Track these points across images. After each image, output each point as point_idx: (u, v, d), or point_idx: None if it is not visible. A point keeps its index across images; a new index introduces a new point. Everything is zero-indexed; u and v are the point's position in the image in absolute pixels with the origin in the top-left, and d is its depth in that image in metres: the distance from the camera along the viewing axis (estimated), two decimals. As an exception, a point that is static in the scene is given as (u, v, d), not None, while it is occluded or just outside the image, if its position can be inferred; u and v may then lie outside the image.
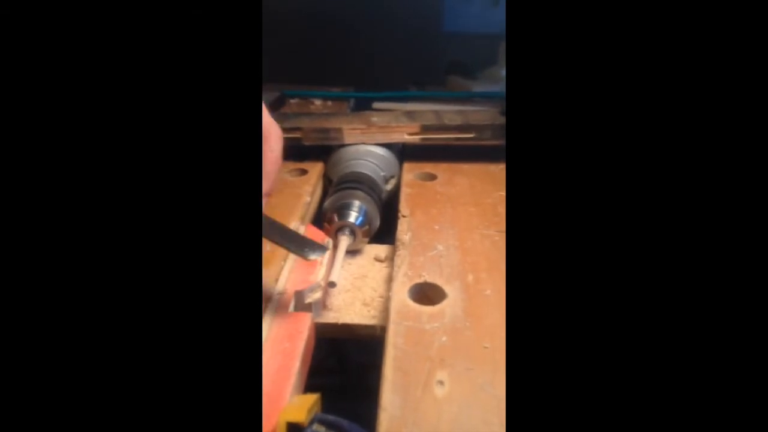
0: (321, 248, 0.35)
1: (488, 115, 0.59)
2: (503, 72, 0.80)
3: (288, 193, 0.50)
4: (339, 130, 0.55)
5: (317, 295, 0.35)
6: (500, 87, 0.77)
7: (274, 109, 0.73)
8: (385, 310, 0.34)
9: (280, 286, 0.37)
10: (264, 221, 0.35)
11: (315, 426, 0.24)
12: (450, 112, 0.61)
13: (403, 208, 0.47)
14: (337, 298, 0.37)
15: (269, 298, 0.35)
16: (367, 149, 0.54)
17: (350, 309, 0.36)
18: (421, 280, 0.36)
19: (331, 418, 0.25)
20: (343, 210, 0.42)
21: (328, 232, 0.42)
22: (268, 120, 0.37)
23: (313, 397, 0.26)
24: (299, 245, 0.34)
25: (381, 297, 0.37)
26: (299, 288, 0.35)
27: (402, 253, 0.40)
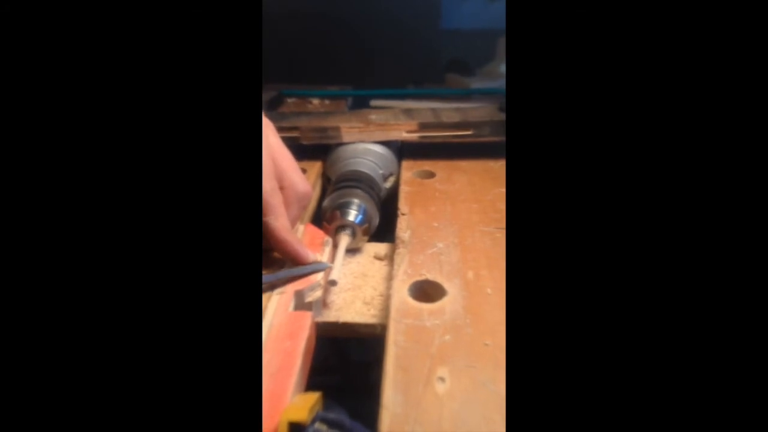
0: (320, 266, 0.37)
1: (486, 112, 0.59)
2: (501, 68, 0.80)
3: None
4: (337, 129, 0.55)
5: (317, 294, 0.35)
6: (498, 83, 0.77)
7: (271, 108, 0.73)
8: (386, 309, 0.34)
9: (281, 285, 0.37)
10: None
11: (317, 425, 0.24)
12: (448, 109, 0.61)
13: (402, 206, 0.47)
14: (337, 297, 0.37)
15: (269, 298, 0.35)
16: (365, 147, 0.54)
17: (351, 308, 0.36)
18: (421, 278, 0.36)
19: (332, 416, 0.25)
20: (342, 208, 0.42)
21: (327, 231, 0.42)
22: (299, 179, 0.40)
23: (314, 396, 0.26)
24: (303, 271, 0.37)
25: (381, 295, 0.37)
26: (299, 287, 0.35)
27: (402, 251, 0.40)
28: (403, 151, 0.59)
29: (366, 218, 0.42)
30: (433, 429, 0.24)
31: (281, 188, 0.39)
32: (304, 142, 0.55)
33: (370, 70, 0.89)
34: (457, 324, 0.31)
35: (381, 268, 0.41)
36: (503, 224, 0.43)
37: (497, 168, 0.55)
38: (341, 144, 0.55)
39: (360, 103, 0.76)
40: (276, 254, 0.39)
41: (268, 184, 0.37)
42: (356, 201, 0.43)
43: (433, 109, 0.61)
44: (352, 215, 0.42)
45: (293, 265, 0.38)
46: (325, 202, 0.44)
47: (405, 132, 0.56)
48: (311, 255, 0.38)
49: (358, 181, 0.47)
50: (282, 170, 0.39)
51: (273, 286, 0.36)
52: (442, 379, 0.27)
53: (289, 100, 0.79)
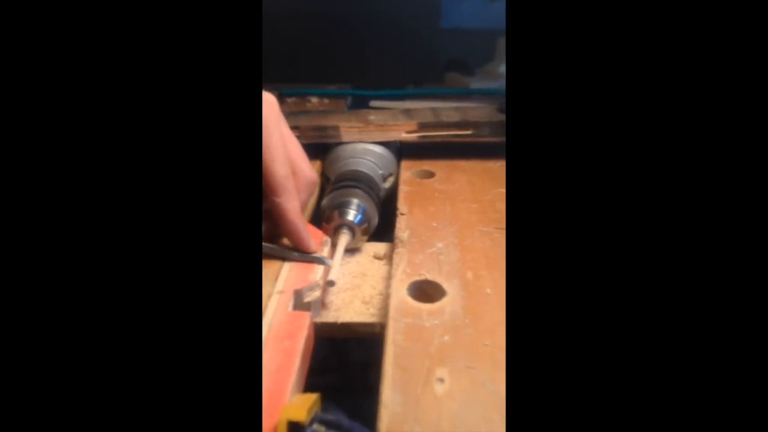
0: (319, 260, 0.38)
1: (486, 112, 0.59)
2: (500, 68, 0.80)
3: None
4: (336, 128, 0.55)
5: (316, 294, 0.35)
6: (498, 83, 0.76)
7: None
8: (385, 308, 0.34)
9: (279, 285, 0.36)
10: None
11: (315, 425, 0.24)
12: (447, 109, 0.61)
13: (402, 206, 0.47)
14: (336, 297, 0.37)
15: (268, 297, 0.35)
16: (364, 147, 0.54)
17: (350, 307, 0.36)
18: (420, 278, 0.36)
19: (331, 417, 0.25)
20: (341, 208, 0.42)
21: (326, 231, 0.42)
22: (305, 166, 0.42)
23: (313, 397, 0.26)
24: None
25: (380, 295, 0.37)
26: (298, 287, 0.35)
27: (401, 250, 0.40)
28: (402, 151, 0.58)
29: (365, 218, 0.42)
30: (432, 429, 0.24)
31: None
32: (303, 141, 0.55)
33: (369, 70, 0.89)
34: (456, 324, 0.31)
35: (380, 267, 0.41)
36: (502, 224, 0.43)
37: (497, 168, 0.55)
38: (340, 143, 0.55)
39: (359, 103, 0.76)
40: (285, 240, 0.40)
41: (283, 169, 0.38)
42: (355, 201, 0.43)
43: (432, 109, 0.61)
44: (351, 215, 0.42)
45: (297, 251, 0.39)
46: (324, 202, 0.44)
47: (404, 132, 0.56)
48: (314, 247, 0.39)
49: (357, 180, 0.47)
50: (292, 158, 0.40)
51: (273, 256, 0.38)
52: (441, 380, 0.27)
53: (289, 100, 0.78)
